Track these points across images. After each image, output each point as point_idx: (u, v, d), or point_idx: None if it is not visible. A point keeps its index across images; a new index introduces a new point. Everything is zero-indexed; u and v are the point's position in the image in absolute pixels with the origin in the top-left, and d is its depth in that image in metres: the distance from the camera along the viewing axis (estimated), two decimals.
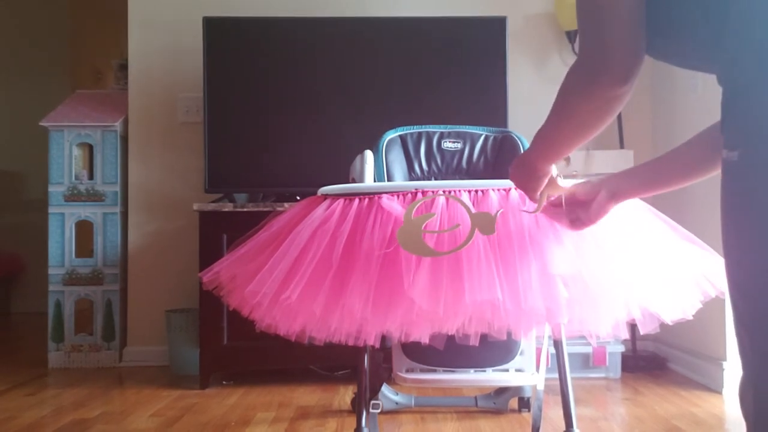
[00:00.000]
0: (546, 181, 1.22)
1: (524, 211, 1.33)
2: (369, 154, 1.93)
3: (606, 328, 1.39)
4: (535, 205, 1.28)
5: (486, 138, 2.08)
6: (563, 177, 1.27)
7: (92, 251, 3.27)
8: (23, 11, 5.31)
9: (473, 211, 1.31)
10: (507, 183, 1.40)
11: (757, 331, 0.79)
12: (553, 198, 1.27)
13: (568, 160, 1.24)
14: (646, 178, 1.20)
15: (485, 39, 3.02)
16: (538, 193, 1.24)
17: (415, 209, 1.31)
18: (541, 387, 1.83)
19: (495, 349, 1.76)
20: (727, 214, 0.83)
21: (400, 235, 1.27)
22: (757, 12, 0.79)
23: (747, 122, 0.79)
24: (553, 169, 1.23)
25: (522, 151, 2.02)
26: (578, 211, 1.25)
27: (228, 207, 2.81)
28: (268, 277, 1.35)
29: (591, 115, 0.99)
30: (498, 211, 1.30)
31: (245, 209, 2.80)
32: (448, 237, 1.30)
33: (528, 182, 1.24)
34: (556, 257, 1.28)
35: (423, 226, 1.28)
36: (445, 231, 1.30)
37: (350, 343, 1.42)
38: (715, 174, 1.14)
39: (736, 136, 0.81)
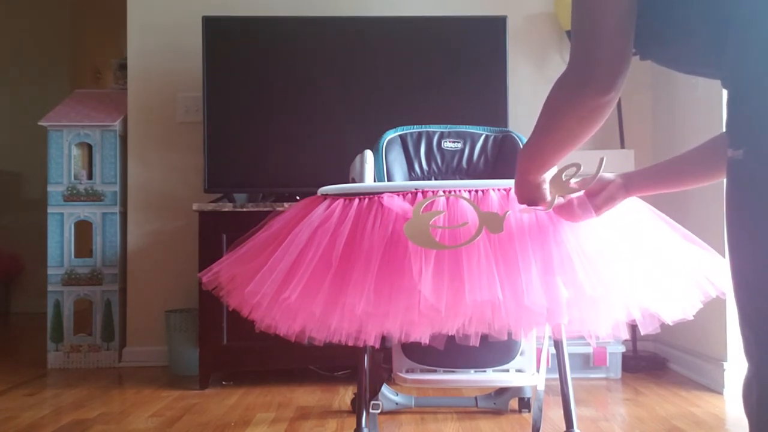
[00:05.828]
0: (546, 186, 1.25)
1: (535, 209, 1.32)
2: (369, 154, 1.92)
3: (606, 329, 1.39)
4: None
5: (486, 138, 2.07)
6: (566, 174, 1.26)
7: (91, 251, 3.26)
8: (23, 11, 5.30)
9: (481, 210, 1.31)
10: (507, 183, 1.39)
11: (763, 328, 0.79)
12: (565, 196, 1.27)
13: (578, 166, 1.26)
14: (658, 177, 1.23)
15: (485, 39, 3.01)
16: (547, 198, 1.26)
17: (422, 208, 1.31)
18: (541, 387, 1.83)
19: (495, 350, 1.76)
20: (732, 211, 0.83)
21: (407, 228, 1.27)
22: (760, 12, 0.80)
23: (751, 121, 0.80)
24: (553, 169, 1.23)
25: None
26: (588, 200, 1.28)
27: (228, 207, 2.81)
28: (267, 277, 1.35)
29: (578, 124, 1.02)
30: (506, 212, 1.30)
31: (245, 209, 2.80)
32: (449, 236, 1.30)
33: (530, 193, 1.27)
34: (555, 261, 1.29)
35: (431, 222, 1.28)
36: (454, 227, 1.29)
37: (350, 343, 1.41)
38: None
39: (740, 135, 0.82)
